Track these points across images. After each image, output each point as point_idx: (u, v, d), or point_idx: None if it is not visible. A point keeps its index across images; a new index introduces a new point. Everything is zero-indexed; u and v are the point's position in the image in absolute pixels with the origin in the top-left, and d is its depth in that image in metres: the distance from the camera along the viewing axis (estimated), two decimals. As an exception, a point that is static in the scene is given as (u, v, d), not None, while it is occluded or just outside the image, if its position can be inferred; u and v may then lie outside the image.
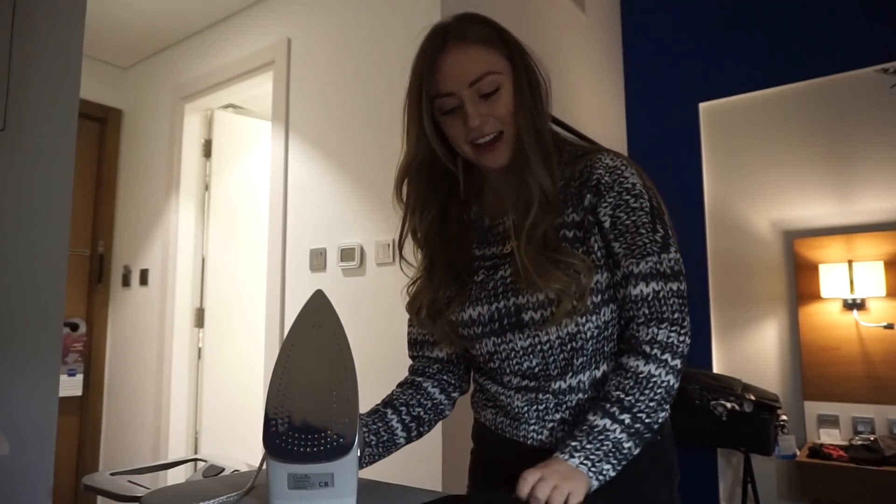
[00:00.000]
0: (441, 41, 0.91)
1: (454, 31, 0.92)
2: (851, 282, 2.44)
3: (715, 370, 2.79)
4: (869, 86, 2.56)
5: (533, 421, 0.92)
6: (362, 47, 2.24)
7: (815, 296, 2.55)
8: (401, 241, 1.00)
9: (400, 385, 1.06)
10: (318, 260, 2.25)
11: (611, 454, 0.81)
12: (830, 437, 2.46)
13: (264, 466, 0.72)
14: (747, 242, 2.79)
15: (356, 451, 0.70)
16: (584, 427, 0.83)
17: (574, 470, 0.79)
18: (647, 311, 0.86)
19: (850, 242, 2.52)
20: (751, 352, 2.75)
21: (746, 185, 2.81)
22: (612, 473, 0.81)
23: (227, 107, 3.12)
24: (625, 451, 0.81)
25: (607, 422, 0.82)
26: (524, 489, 0.75)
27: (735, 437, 2.38)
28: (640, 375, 0.84)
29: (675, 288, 0.87)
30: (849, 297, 2.46)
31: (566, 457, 0.80)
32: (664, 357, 0.84)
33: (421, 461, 1.87)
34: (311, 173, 2.34)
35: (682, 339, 0.85)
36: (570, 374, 0.90)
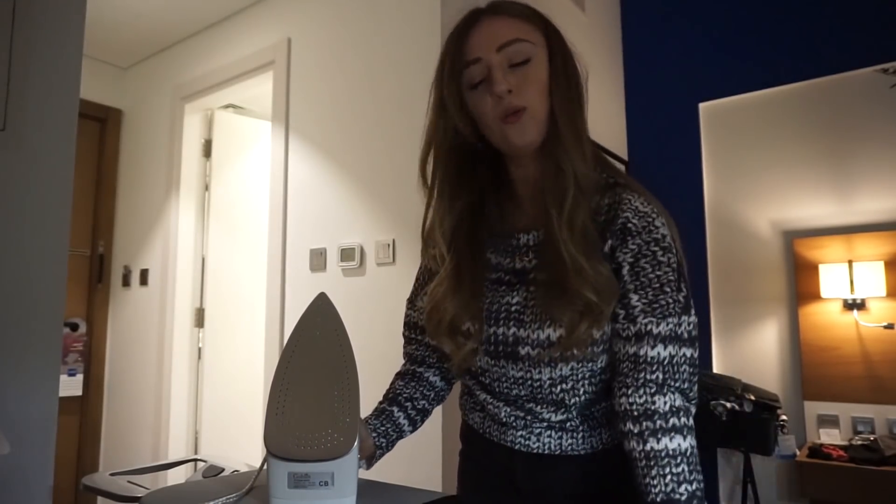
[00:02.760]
0: (474, 18, 0.88)
1: (489, 8, 0.88)
2: (851, 282, 2.44)
3: (715, 370, 2.79)
4: (869, 86, 2.56)
5: (521, 428, 0.90)
6: (362, 47, 2.24)
7: (815, 296, 2.55)
8: (427, 227, 0.93)
9: (401, 377, 1.02)
10: (318, 260, 2.25)
11: None
12: (830, 437, 2.47)
13: (265, 467, 0.72)
14: (747, 242, 2.79)
15: (356, 451, 0.70)
16: None
17: None
18: (660, 376, 0.79)
19: (850, 242, 2.52)
20: (751, 352, 2.75)
21: (746, 185, 2.81)
22: None
23: (227, 107, 3.12)
24: None
25: None
26: None
27: (735, 437, 2.38)
28: (683, 452, 0.77)
29: (688, 355, 0.81)
30: (849, 297, 2.46)
31: None
32: (690, 423, 0.79)
33: (421, 461, 1.87)
34: (311, 173, 2.34)
35: (691, 406, 0.82)
36: (562, 410, 0.88)
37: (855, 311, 2.46)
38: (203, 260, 2.98)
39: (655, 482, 0.76)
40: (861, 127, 2.57)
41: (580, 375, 0.85)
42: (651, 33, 3.19)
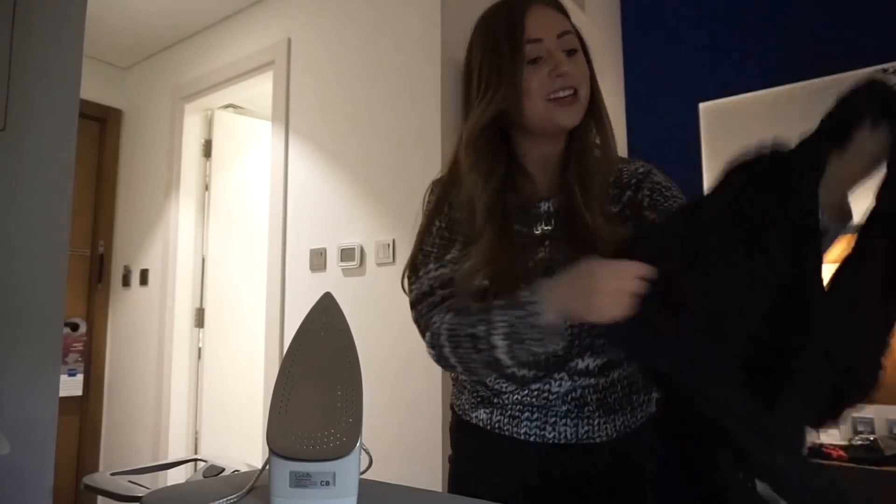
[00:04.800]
0: (527, 2, 0.95)
1: None
2: (851, 282, 2.44)
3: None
4: (869, 86, 2.56)
5: (535, 417, 0.91)
6: (362, 47, 2.24)
7: (814, 296, 2.55)
8: (464, 197, 0.95)
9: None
10: (318, 260, 2.25)
11: None
12: (830, 437, 2.46)
13: (267, 467, 0.72)
14: (747, 242, 2.79)
15: (358, 451, 0.70)
16: None
17: None
18: None
19: (850, 243, 2.52)
20: (751, 352, 2.75)
21: (746, 185, 2.81)
22: None
23: (227, 107, 3.12)
24: None
25: None
26: None
27: (735, 436, 2.38)
28: None
29: None
30: (849, 296, 2.46)
31: None
32: None
33: (421, 461, 1.87)
34: (311, 173, 2.34)
35: None
36: (589, 352, 0.91)
37: (855, 311, 2.46)
38: (203, 260, 2.98)
39: None
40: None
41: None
42: (651, 33, 3.19)
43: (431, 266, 0.96)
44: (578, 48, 0.94)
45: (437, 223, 1.00)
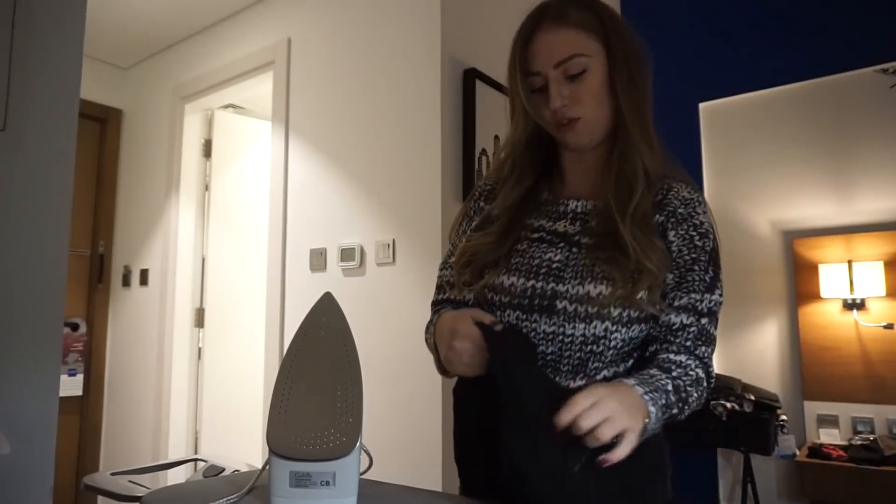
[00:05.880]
0: (539, 18, 0.94)
1: (554, 10, 0.94)
2: (851, 282, 2.44)
3: (714, 370, 2.79)
4: (869, 86, 2.56)
5: None
6: (362, 47, 2.24)
7: (814, 296, 2.55)
8: (496, 202, 1.00)
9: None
10: (318, 260, 2.25)
11: (665, 395, 0.82)
12: (830, 437, 2.46)
13: (267, 467, 0.72)
14: (747, 242, 2.79)
15: (358, 451, 0.70)
16: (639, 375, 0.85)
17: (634, 398, 0.78)
18: (681, 341, 0.90)
19: (850, 242, 2.52)
20: (750, 352, 2.75)
21: (746, 185, 2.81)
22: (659, 417, 0.80)
23: (227, 107, 3.12)
24: (672, 402, 0.83)
25: (659, 373, 0.85)
26: (565, 417, 0.73)
27: (735, 437, 2.38)
28: (682, 363, 0.88)
29: (705, 324, 0.91)
30: (848, 297, 2.46)
31: (629, 381, 0.82)
32: (700, 374, 0.90)
33: (421, 461, 1.87)
34: (311, 173, 2.34)
35: (708, 369, 0.92)
36: (581, 375, 0.89)
37: (854, 311, 2.46)
38: (203, 260, 2.98)
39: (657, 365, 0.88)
40: (861, 127, 2.57)
41: (612, 340, 0.88)
42: (651, 33, 3.18)
43: (442, 271, 1.08)
44: (588, 66, 0.91)
45: (464, 225, 1.07)
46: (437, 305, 1.07)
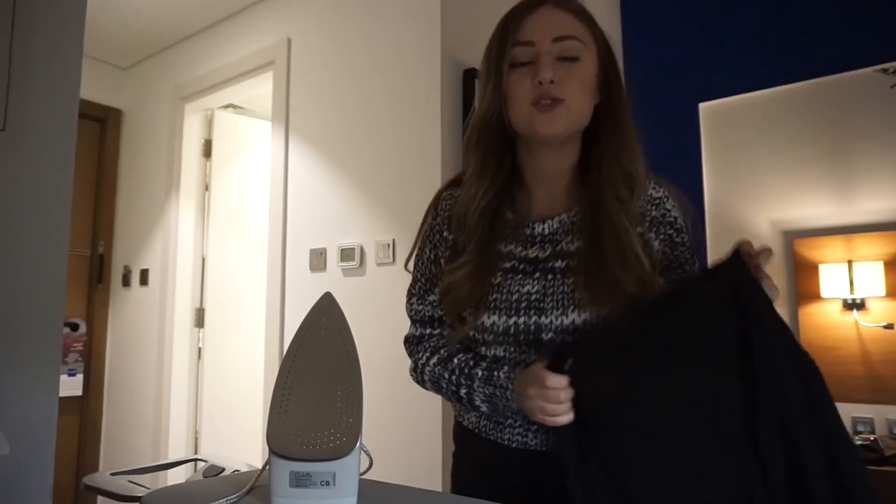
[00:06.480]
0: (539, 1, 0.90)
1: None
2: (851, 282, 2.44)
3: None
4: (869, 86, 2.56)
5: (518, 424, 0.90)
6: (362, 47, 2.24)
7: (814, 296, 2.55)
8: (460, 207, 0.94)
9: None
10: (318, 260, 2.25)
11: None
12: (830, 437, 2.47)
13: (267, 467, 0.72)
14: (747, 242, 2.80)
15: (358, 451, 0.70)
16: None
17: None
18: None
19: (850, 242, 2.52)
20: (751, 352, 2.75)
21: (746, 185, 2.81)
22: None
23: (227, 107, 3.12)
24: None
25: None
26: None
27: (735, 436, 2.38)
28: None
29: None
30: (848, 297, 2.46)
31: None
32: None
33: (421, 461, 1.87)
34: (311, 173, 2.34)
35: None
36: None
37: (855, 311, 2.46)
38: (203, 260, 2.98)
39: None
40: (861, 127, 2.57)
41: None
42: (651, 33, 3.19)
43: (415, 301, 1.02)
44: (581, 55, 0.88)
45: (427, 252, 1.01)
46: (423, 342, 1.01)
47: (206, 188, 3.02)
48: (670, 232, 0.92)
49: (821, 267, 2.53)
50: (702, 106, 2.96)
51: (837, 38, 2.64)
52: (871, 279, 2.41)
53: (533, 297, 0.88)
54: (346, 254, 2.15)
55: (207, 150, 3.03)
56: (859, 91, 2.58)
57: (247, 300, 2.94)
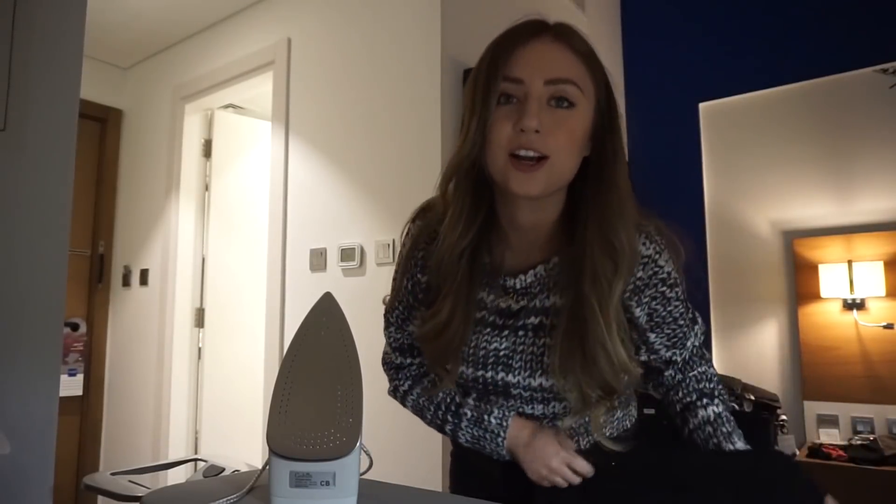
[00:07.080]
0: (537, 29, 0.78)
1: (557, 28, 0.79)
2: (851, 282, 2.44)
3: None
4: (869, 86, 2.56)
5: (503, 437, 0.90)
6: (362, 47, 2.24)
7: (814, 296, 2.55)
8: (441, 250, 0.84)
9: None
10: (318, 260, 2.25)
11: (741, 436, 0.91)
12: (830, 437, 2.46)
13: (267, 467, 0.72)
14: (747, 242, 2.79)
15: (358, 451, 0.70)
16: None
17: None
18: (698, 390, 0.93)
19: (850, 242, 2.52)
20: (750, 352, 2.75)
21: (746, 185, 2.81)
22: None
23: (227, 107, 3.12)
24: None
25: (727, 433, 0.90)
26: None
27: (735, 436, 2.38)
28: (720, 414, 0.91)
29: (706, 356, 0.96)
30: (848, 297, 2.46)
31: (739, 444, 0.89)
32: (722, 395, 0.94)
33: (421, 461, 1.87)
34: (311, 173, 2.34)
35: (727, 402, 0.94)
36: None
37: (854, 311, 2.46)
38: (203, 260, 2.98)
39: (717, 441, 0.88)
40: (861, 127, 2.57)
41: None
42: (651, 33, 3.19)
43: (393, 330, 1.04)
44: (577, 103, 0.76)
45: (405, 283, 0.97)
46: (402, 370, 1.03)
47: (206, 188, 3.02)
48: (662, 289, 0.85)
49: (821, 267, 2.54)
50: (702, 106, 2.96)
51: (837, 38, 2.64)
52: (870, 279, 2.41)
53: (501, 354, 0.86)
54: (346, 254, 2.15)
55: (207, 150, 3.04)
56: (859, 91, 2.58)
57: (247, 300, 2.95)
